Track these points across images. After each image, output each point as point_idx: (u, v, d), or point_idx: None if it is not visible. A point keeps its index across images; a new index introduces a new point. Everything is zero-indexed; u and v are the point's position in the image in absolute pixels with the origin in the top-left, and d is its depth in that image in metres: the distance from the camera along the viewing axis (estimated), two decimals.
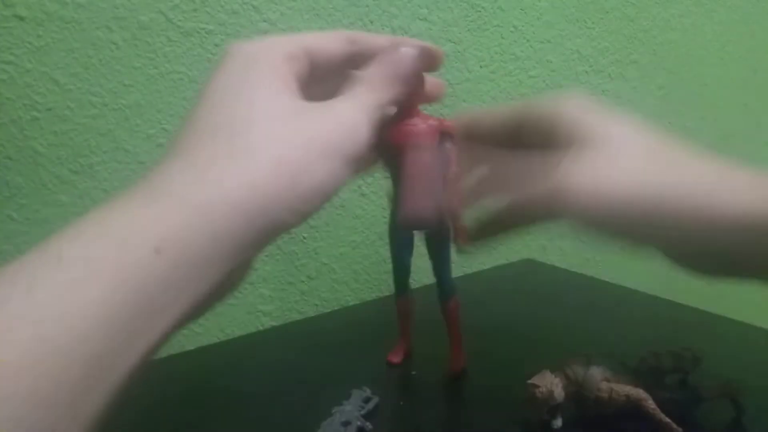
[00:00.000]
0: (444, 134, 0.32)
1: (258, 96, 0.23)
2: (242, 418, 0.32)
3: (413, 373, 0.36)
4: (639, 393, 0.28)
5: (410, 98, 0.30)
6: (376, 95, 0.26)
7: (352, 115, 0.24)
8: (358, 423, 0.30)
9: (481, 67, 0.60)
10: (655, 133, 0.27)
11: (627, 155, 0.26)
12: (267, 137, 0.22)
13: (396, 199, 0.34)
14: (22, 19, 0.38)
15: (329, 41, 0.27)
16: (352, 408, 0.31)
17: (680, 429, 0.27)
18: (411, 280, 0.37)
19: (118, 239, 0.18)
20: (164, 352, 0.45)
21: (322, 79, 0.26)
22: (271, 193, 0.20)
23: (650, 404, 0.28)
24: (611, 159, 0.26)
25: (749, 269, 0.25)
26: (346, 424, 0.30)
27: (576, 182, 0.26)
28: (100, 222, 0.19)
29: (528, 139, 0.30)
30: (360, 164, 0.25)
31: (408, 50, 0.27)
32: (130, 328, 0.17)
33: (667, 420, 0.28)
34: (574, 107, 0.28)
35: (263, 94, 0.23)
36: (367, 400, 0.32)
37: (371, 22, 0.52)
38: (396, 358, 0.37)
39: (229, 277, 0.22)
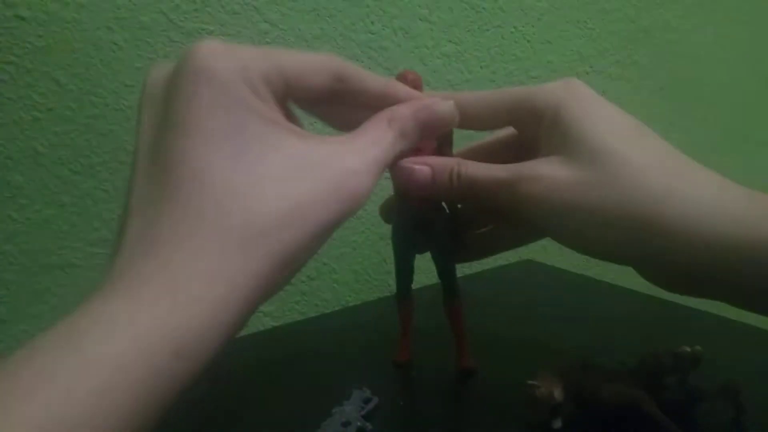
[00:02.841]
0: (442, 136, 0.31)
1: (252, 152, 0.20)
2: (242, 418, 0.33)
3: (413, 373, 0.36)
4: (639, 393, 0.28)
5: None
6: (400, 144, 0.25)
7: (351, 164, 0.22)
8: (358, 423, 0.30)
9: (481, 67, 0.60)
10: (641, 134, 0.26)
11: (595, 168, 0.25)
12: (267, 211, 0.19)
13: (400, 203, 0.34)
14: (23, 19, 0.38)
15: (313, 74, 0.24)
16: (352, 408, 0.31)
17: (680, 429, 0.27)
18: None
19: (141, 342, 0.17)
20: None
21: (299, 102, 0.25)
22: (294, 255, 0.20)
23: (650, 405, 0.28)
24: (576, 169, 0.25)
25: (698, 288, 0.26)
26: (346, 424, 0.30)
27: (530, 181, 0.26)
28: (116, 319, 0.17)
29: (518, 128, 0.30)
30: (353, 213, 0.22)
31: (447, 105, 0.27)
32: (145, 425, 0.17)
33: (667, 420, 0.28)
34: (565, 100, 0.27)
35: (257, 148, 0.20)
36: (367, 401, 0.32)
37: (372, 23, 0.52)
38: (402, 358, 0.37)
39: None
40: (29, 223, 0.40)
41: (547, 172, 0.25)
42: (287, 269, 0.20)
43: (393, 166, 0.28)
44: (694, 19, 0.78)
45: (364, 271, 0.55)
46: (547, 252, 0.70)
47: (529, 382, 0.29)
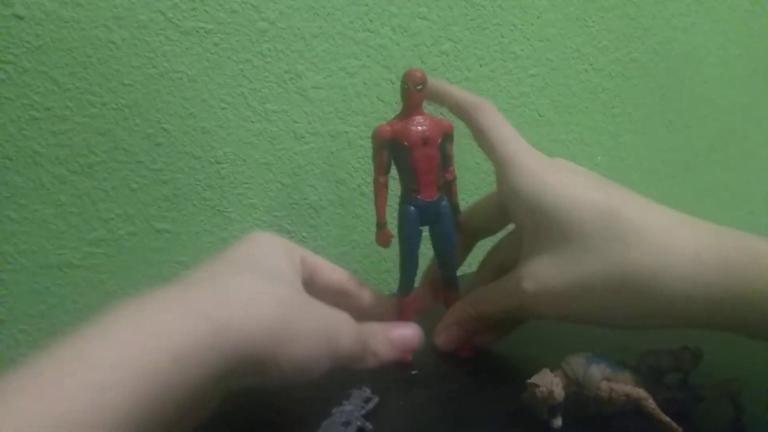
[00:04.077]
0: (445, 132, 0.35)
1: (278, 262, 0.27)
2: (242, 419, 0.32)
3: (413, 373, 0.36)
4: (639, 393, 0.28)
5: (416, 99, 0.34)
6: (372, 344, 0.32)
7: (352, 325, 0.29)
8: (358, 423, 0.30)
9: (480, 65, 0.60)
10: (609, 210, 0.30)
11: (574, 248, 0.29)
12: (275, 295, 0.25)
13: (404, 190, 0.36)
14: (20, 18, 0.38)
15: (333, 274, 0.33)
16: (352, 408, 0.31)
17: (680, 429, 0.27)
18: None
19: (141, 345, 0.19)
20: None
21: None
22: (273, 330, 0.23)
23: (650, 404, 0.28)
24: (559, 256, 0.30)
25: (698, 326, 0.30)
26: (346, 424, 0.30)
27: (529, 291, 0.31)
28: (125, 323, 0.19)
29: (512, 219, 0.36)
30: (333, 364, 0.29)
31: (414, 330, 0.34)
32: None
33: (667, 420, 0.28)
34: (539, 196, 0.31)
35: (279, 257, 0.28)
36: (367, 400, 0.32)
37: (370, 21, 0.52)
38: (410, 355, 0.37)
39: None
40: (27, 222, 0.40)
41: (542, 288, 0.31)
42: (282, 324, 0.24)
43: (437, 340, 0.37)
44: (694, 17, 0.78)
45: (363, 271, 0.55)
46: None
47: (529, 381, 0.29)
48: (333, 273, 0.34)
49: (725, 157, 0.85)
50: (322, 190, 0.52)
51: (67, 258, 0.42)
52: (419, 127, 0.34)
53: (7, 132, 0.39)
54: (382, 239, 0.35)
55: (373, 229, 0.35)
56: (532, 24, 0.63)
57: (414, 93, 0.34)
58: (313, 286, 0.31)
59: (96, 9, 0.40)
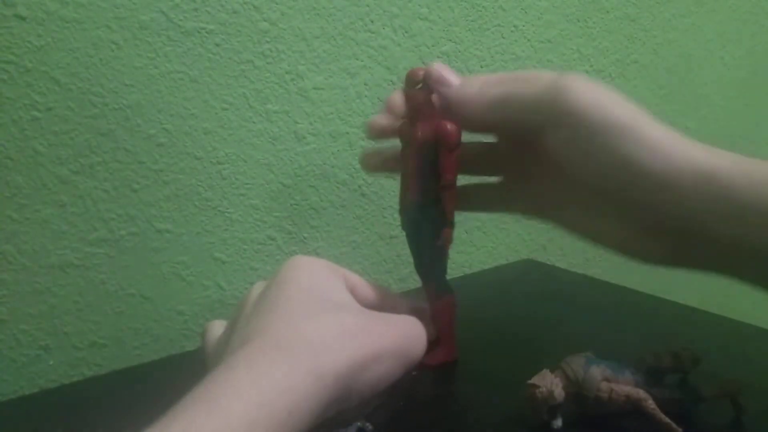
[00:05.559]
0: (437, 140, 0.33)
1: (333, 288, 0.29)
2: None
3: (413, 373, 0.36)
4: (639, 393, 0.29)
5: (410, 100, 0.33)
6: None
7: (421, 330, 0.30)
8: (358, 423, 0.30)
9: (481, 66, 0.60)
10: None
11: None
12: (349, 327, 0.26)
13: (403, 192, 0.36)
14: (22, 18, 0.38)
15: (369, 291, 0.33)
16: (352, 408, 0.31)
17: (680, 429, 0.27)
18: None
19: (264, 403, 0.21)
20: (164, 353, 0.45)
21: None
22: (354, 364, 0.25)
23: (650, 404, 0.28)
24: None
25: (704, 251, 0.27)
26: (346, 424, 0.30)
27: (579, 85, 0.29)
28: (246, 381, 0.22)
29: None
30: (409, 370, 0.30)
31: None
32: None
33: (667, 420, 0.28)
34: (578, 84, 0.30)
35: (334, 284, 0.29)
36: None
37: (371, 22, 0.52)
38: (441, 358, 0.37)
39: None
40: (28, 223, 0.40)
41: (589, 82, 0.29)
42: (362, 364, 0.26)
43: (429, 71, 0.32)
44: (694, 18, 0.78)
45: (364, 271, 0.55)
46: (547, 252, 0.70)
47: (529, 382, 0.29)
48: (369, 290, 0.34)
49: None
50: (323, 191, 0.52)
51: (68, 258, 0.42)
52: (411, 130, 0.33)
53: (9, 132, 0.39)
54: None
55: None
56: (533, 25, 0.63)
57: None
58: None
59: (98, 9, 0.40)
